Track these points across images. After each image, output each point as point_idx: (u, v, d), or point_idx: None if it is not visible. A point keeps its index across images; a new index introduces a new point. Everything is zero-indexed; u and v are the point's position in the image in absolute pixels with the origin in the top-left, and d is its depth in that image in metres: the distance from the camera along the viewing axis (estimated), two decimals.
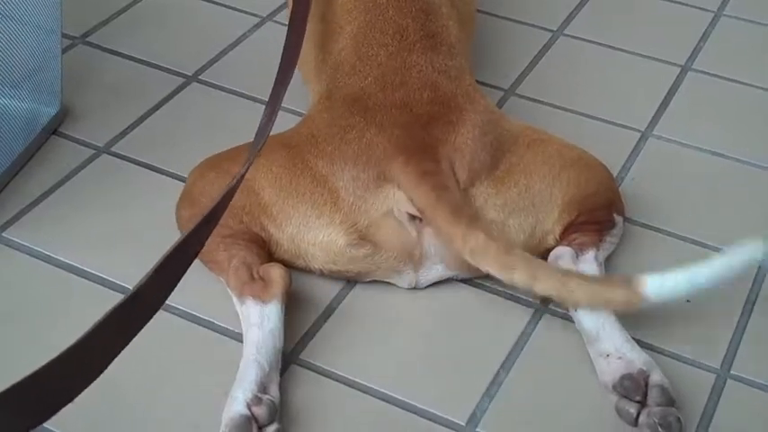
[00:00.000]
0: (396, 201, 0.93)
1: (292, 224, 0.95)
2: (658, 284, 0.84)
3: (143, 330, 0.94)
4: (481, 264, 0.89)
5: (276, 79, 0.96)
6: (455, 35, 1.08)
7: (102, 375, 0.90)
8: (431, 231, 0.94)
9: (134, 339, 0.93)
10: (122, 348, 0.70)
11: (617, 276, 0.92)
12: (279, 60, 1.27)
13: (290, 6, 1.07)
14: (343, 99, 0.99)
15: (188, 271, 0.99)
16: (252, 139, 1.04)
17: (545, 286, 0.87)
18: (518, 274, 0.87)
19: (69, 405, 0.87)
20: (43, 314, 0.96)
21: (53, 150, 1.14)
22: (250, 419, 0.83)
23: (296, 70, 1.02)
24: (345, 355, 0.93)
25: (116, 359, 0.70)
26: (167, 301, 0.96)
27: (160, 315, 0.95)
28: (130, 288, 0.98)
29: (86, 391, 0.88)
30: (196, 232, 0.77)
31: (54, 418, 0.86)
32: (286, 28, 1.21)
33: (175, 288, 0.76)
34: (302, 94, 1.15)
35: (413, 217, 0.93)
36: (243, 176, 0.85)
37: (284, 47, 1.00)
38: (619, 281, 0.86)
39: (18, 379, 0.88)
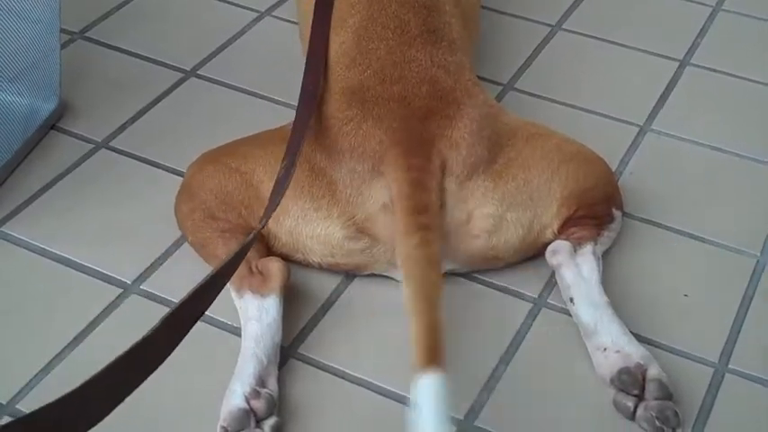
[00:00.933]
0: (387, 194, 0.93)
1: (290, 217, 0.95)
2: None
3: (142, 326, 0.94)
4: (400, 268, 0.88)
5: (294, 126, 0.95)
6: (457, 32, 1.07)
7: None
8: None
9: (132, 334, 0.93)
10: (127, 395, 0.69)
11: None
12: (277, 54, 1.28)
13: (305, 39, 1.07)
14: (342, 92, 0.99)
15: (186, 265, 0.99)
16: (249, 134, 1.04)
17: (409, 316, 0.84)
18: (405, 295, 0.85)
19: None
20: (42, 308, 0.96)
21: (52, 145, 1.14)
22: (248, 413, 0.83)
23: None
24: (344, 349, 0.93)
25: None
26: (165, 296, 0.97)
27: (158, 309, 0.96)
28: (129, 282, 0.98)
29: None
30: (204, 289, 0.76)
31: None
32: (285, 23, 1.21)
33: (185, 337, 0.76)
34: None
35: None
36: (255, 236, 0.84)
37: (300, 93, 1.00)
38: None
39: (13, 379, 0.89)
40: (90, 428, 0.67)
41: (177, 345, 0.75)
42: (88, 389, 0.65)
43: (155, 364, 0.72)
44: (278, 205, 0.89)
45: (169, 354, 0.74)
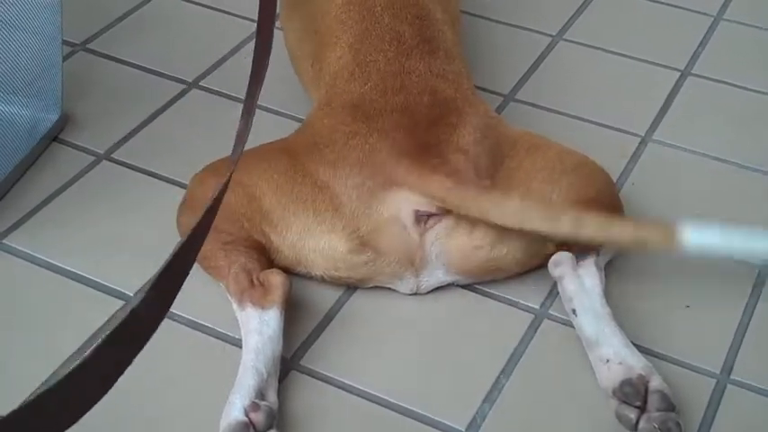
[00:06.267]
0: (402, 204, 0.93)
1: (293, 231, 0.95)
2: (696, 233, 0.89)
3: None
4: (526, 223, 0.92)
5: (251, 79, 0.95)
6: (451, 39, 1.08)
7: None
8: (433, 235, 0.94)
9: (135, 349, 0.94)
10: (122, 372, 0.68)
11: (658, 221, 0.95)
12: (280, 67, 1.28)
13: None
14: (344, 105, 0.99)
15: (188, 277, 0.99)
16: (252, 147, 1.04)
17: (589, 232, 0.91)
18: (564, 224, 0.91)
19: None
20: (44, 321, 0.96)
21: (54, 157, 1.14)
22: (248, 425, 0.83)
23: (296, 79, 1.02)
24: (346, 361, 0.93)
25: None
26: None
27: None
28: (131, 294, 0.98)
29: None
30: (186, 248, 0.75)
31: None
32: (284, 34, 1.22)
33: (173, 302, 0.74)
34: (304, 100, 1.16)
35: (418, 220, 0.93)
36: (227, 185, 0.82)
37: (255, 45, 0.98)
38: (659, 225, 0.91)
39: (16, 392, 0.89)
40: (84, 414, 0.66)
41: (167, 311, 0.73)
42: (80, 373, 0.64)
43: (145, 337, 0.70)
44: (239, 157, 0.85)
45: (158, 324, 0.72)
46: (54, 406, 0.63)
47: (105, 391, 0.67)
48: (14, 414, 0.59)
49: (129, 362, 0.68)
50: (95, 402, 0.66)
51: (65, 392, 0.64)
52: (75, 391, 0.65)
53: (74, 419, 0.65)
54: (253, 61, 0.93)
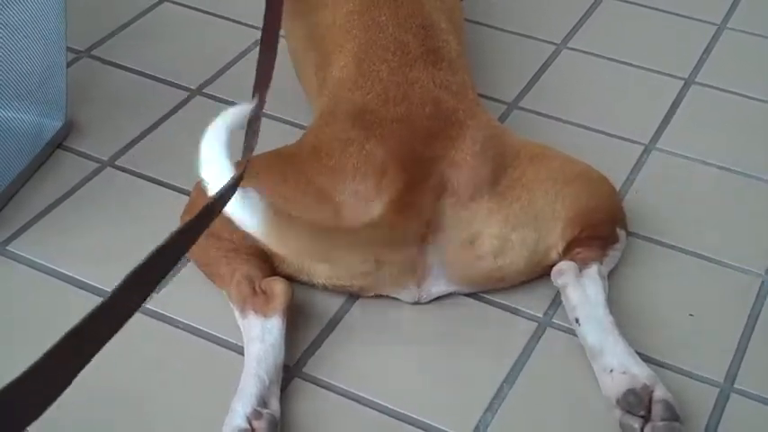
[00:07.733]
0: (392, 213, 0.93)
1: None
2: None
3: (145, 342, 0.94)
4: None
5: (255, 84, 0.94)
6: (455, 50, 1.08)
7: (105, 387, 0.90)
8: (433, 245, 0.94)
9: (136, 352, 0.94)
10: (93, 355, 0.67)
11: None
12: (283, 73, 1.27)
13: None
14: (346, 114, 0.99)
15: (191, 284, 0.99)
16: (255, 154, 1.04)
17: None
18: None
19: (68, 419, 0.88)
20: (47, 327, 0.96)
21: (58, 164, 1.14)
22: None
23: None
24: (348, 369, 0.93)
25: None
26: (171, 315, 0.97)
27: (164, 329, 0.96)
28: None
29: (88, 403, 0.89)
30: (177, 239, 0.74)
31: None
32: (289, 42, 1.22)
33: (150, 295, 0.72)
34: (307, 108, 1.16)
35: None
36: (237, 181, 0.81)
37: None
38: None
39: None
40: (59, 395, 0.65)
41: (137, 309, 0.72)
42: (44, 365, 0.63)
43: (121, 322, 0.69)
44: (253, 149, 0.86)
45: (134, 312, 0.70)
46: (19, 398, 0.62)
47: (65, 386, 0.66)
48: None
49: (99, 347, 0.66)
50: (58, 395, 0.65)
51: (29, 385, 0.63)
52: (39, 383, 0.64)
53: (37, 413, 0.64)
54: (258, 66, 0.93)
